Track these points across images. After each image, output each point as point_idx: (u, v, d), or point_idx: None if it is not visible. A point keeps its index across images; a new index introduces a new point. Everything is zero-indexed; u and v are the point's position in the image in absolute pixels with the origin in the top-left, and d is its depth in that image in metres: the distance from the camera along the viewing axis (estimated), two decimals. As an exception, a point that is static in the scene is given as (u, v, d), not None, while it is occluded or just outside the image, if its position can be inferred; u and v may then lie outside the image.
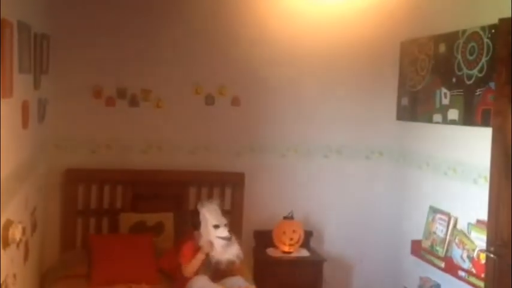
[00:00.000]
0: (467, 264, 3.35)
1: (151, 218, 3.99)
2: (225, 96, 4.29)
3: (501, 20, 2.94)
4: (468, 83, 3.52)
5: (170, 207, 4.11)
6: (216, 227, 3.51)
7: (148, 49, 4.12)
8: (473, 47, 3.48)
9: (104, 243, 3.76)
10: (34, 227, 3.36)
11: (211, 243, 3.48)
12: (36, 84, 3.31)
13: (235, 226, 4.24)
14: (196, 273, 3.46)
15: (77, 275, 3.59)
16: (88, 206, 4.05)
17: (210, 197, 4.23)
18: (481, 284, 3.11)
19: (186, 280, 3.41)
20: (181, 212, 4.14)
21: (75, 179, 4.00)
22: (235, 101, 4.31)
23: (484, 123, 3.33)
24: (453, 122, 3.69)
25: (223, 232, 3.51)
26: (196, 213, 3.63)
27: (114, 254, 3.62)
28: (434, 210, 3.81)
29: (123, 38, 4.07)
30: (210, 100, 4.26)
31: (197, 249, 3.50)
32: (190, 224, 3.67)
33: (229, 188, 4.28)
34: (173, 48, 4.16)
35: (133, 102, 4.13)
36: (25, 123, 2.94)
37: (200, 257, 3.45)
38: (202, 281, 3.39)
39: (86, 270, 3.61)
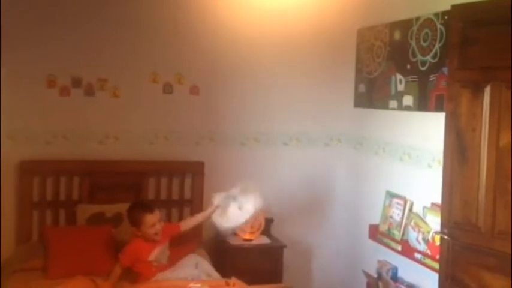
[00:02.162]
0: (422, 247, 3.43)
1: (109, 209, 3.93)
2: (184, 85, 4.25)
3: (453, 6, 3.00)
4: (422, 69, 3.59)
5: (129, 198, 4.03)
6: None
7: (104, 37, 4.04)
8: (427, 33, 3.55)
9: (60, 235, 3.69)
10: (-13, 220, 3.27)
11: None
12: (-13, 74, 3.22)
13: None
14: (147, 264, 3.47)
15: (33, 268, 3.51)
16: (44, 198, 3.96)
17: (169, 186, 4.22)
18: (436, 265, 3.19)
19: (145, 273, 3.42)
20: (141, 202, 4.11)
21: (30, 170, 3.91)
22: (193, 90, 4.28)
23: (438, 108, 3.41)
24: (408, 108, 3.75)
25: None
26: (130, 210, 3.57)
27: (71, 246, 3.56)
28: (391, 195, 3.88)
29: (77, 26, 3.97)
30: (168, 89, 4.22)
31: (143, 246, 3.46)
32: (129, 221, 3.60)
33: (189, 177, 4.26)
34: (130, 36, 4.09)
35: (89, 92, 4.05)
36: (-25, 114, 2.86)
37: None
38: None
39: (43, 263, 3.54)
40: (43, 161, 3.93)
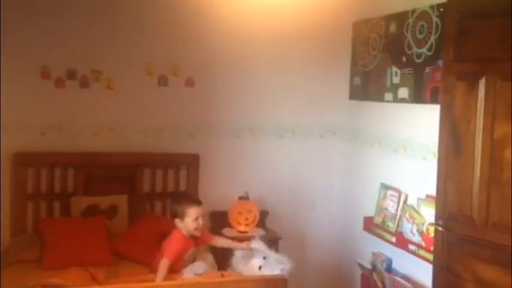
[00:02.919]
0: (417, 238, 3.44)
1: (104, 201, 3.93)
2: (179, 77, 4.25)
3: (449, -1, 3.01)
4: (418, 61, 3.59)
5: (124, 190, 4.06)
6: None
7: (99, 29, 4.02)
8: (422, 26, 3.55)
9: (55, 227, 3.69)
10: (-18, 212, 3.26)
11: None
12: (-19, 65, 3.20)
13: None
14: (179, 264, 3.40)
15: (28, 260, 3.51)
16: (38, 189, 3.96)
17: (164, 179, 4.22)
18: (430, 256, 3.20)
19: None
20: (136, 194, 4.11)
21: (24, 162, 3.90)
22: (188, 82, 4.27)
23: (433, 100, 3.41)
24: (403, 101, 3.76)
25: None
26: (175, 201, 3.51)
27: (66, 238, 3.56)
28: (385, 187, 3.89)
29: (72, 17, 3.96)
30: (163, 81, 4.21)
31: (185, 240, 3.39)
32: (170, 212, 3.56)
33: (184, 169, 4.26)
34: (124, 28, 4.08)
35: (84, 84, 4.04)
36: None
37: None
38: None
39: (38, 255, 3.54)
40: (38, 152, 3.93)
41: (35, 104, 3.96)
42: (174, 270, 3.38)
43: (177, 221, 3.39)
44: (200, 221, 3.39)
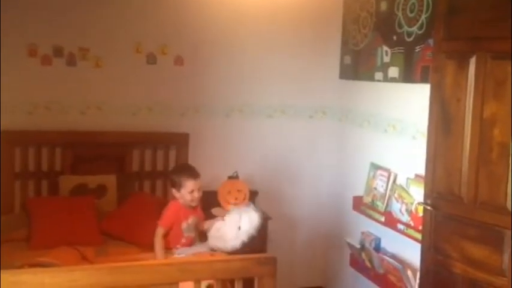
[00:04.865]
0: (405, 218, 3.46)
1: (92, 180, 3.90)
2: (167, 56, 4.19)
3: (440, -24, 2.98)
4: (408, 40, 3.57)
5: (113, 170, 4.03)
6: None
7: (86, 5, 3.95)
8: (413, 4, 3.51)
9: (43, 206, 3.66)
10: (-32, 191, 3.23)
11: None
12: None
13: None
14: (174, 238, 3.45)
15: (17, 239, 3.50)
16: (26, 168, 3.91)
17: (153, 158, 4.20)
18: (419, 236, 3.21)
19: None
20: (125, 174, 4.08)
21: (11, 141, 3.84)
22: (178, 61, 4.22)
23: (423, 79, 3.40)
24: (394, 80, 3.74)
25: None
26: (174, 172, 3.62)
27: (54, 217, 3.54)
28: (375, 167, 3.89)
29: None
30: (151, 59, 4.16)
31: (181, 209, 3.46)
32: (169, 184, 3.64)
33: (173, 149, 4.23)
34: (112, 5, 4.00)
35: (71, 62, 3.98)
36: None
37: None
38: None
39: (26, 234, 3.52)
40: (25, 131, 3.87)
41: (21, 82, 3.90)
42: (171, 240, 3.40)
43: (174, 191, 3.49)
44: (196, 194, 3.47)
